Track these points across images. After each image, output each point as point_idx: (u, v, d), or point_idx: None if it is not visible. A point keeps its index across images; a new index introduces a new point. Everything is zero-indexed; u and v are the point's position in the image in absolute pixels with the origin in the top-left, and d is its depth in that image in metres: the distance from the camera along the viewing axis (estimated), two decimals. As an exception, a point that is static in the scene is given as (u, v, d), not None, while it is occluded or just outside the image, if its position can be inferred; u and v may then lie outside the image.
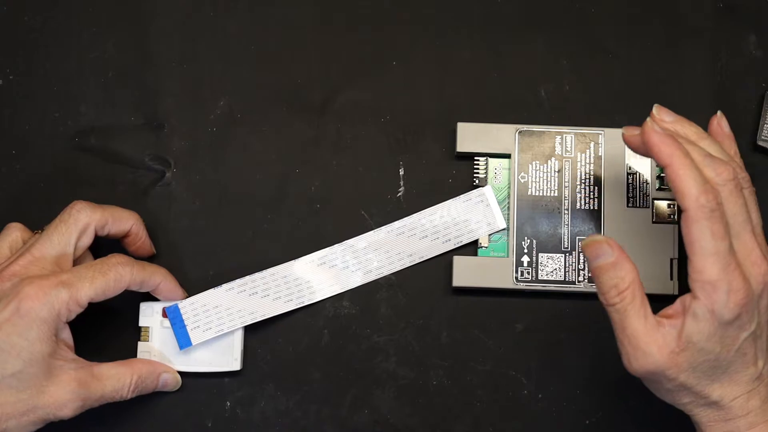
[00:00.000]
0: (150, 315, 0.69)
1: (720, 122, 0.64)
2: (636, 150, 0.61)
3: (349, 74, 0.73)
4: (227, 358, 0.69)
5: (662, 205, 0.70)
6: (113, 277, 0.64)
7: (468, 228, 0.70)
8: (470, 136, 0.70)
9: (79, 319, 0.65)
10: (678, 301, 0.59)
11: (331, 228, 0.71)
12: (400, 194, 0.71)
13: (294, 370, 0.70)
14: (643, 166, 0.70)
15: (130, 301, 0.69)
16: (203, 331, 0.68)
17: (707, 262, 0.56)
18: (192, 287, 0.69)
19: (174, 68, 0.73)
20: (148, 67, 0.73)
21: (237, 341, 0.69)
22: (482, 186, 0.70)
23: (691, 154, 0.58)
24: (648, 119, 0.60)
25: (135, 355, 0.68)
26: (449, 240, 0.70)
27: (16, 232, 0.67)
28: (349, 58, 0.73)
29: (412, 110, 0.72)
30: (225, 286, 0.69)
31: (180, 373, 0.68)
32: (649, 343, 0.58)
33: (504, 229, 0.70)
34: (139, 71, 0.73)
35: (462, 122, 0.70)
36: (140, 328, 0.69)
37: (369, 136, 0.72)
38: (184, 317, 0.68)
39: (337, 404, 0.69)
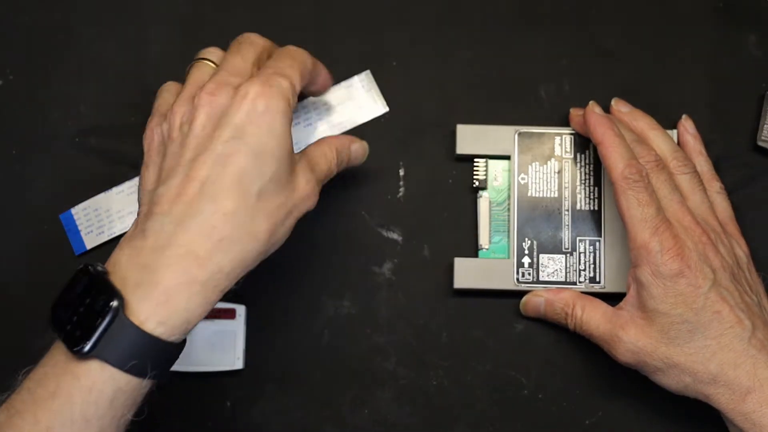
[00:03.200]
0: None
1: (685, 124, 0.70)
2: (579, 130, 0.70)
3: (349, 74, 0.72)
4: (229, 357, 0.69)
5: (662, 205, 0.70)
6: (300, 58, 0.61)
7: (350, 113, 0.71)
8: (470, 138, 0.70)
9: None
10: (628, 280, 0.64)
11: (331, 228, 0.71)
12: (400, 194, 0.71)
13: (294, 370, 0.70)
14: (643, 167, 0.70)
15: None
16: (96, 236, 0.69)
17: (638, 228, 0.62)
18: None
19: (174, 68, 0.73)
20: (148, 67, 0.73)
21: (239, 340, 0.69)
22: (482, 189, 0.70)
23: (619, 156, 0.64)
24: (591, 102, 0.67)
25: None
26: (335, 126, 0.71)
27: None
28: (349, 58, 0.73)
29: (412, 110, 0.72)
30: (115, 189, 0.69)
31: (180, 373, 0.68)
32: (615, 328, 0.63)
33: (385, 113, 0.72)
34: (139, 71, 0.73)
35: (461, 124, 0.70)
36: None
37: (369, 136, 0.72)
38: (77, 222, 0.69)
39: (337, 404, 0.69)
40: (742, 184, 0.71)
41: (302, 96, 0.68)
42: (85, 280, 0.55)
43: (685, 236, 0.62)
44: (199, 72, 0.62)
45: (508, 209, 0.70)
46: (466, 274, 0.69)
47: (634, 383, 0.67)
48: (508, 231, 0.69)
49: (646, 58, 0.73)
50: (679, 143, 0.70)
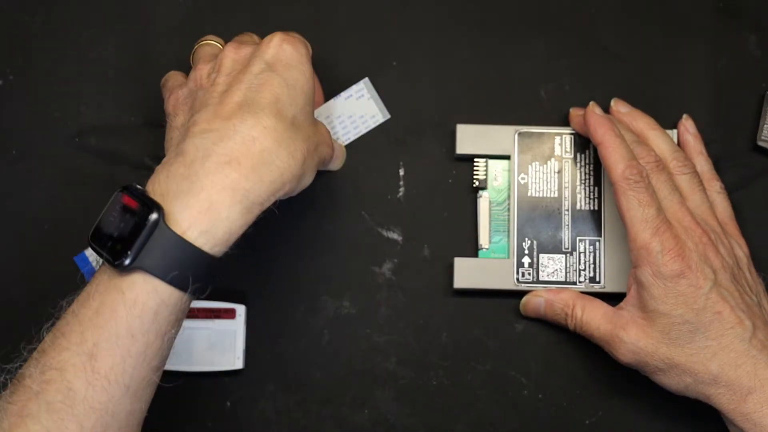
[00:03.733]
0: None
1: (685, 123, 0.70)
2: (579, 130, 0.70)
3: (349, 74, 0.72)
4: (229, 357, 0.69)
5: (662, 205, 0.70)
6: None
7: (354, 124, 0.71)
8: (470, 138, 0.70)
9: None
10: (628, 280, 0.64)
11: (331, 228, 0.71)
12: (400, 194, 0.71)
13: (294, 370, 0.70)
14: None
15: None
16: None
17: (638, 228, 0.62)
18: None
19: (174, 68, 0.73)
20: (148, 67, 0.73)
21: (239, 340, 0.69)
22: (482, 189, 0.70)
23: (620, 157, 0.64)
24: (591, 102, 0.67)
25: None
26: (338, 138, 0.71)
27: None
28: (349, 58, 0.73)
29: (412, 110, 0.72)
30: None
31: (181, 373, 0.68)
32: (616, 329, 0.63)
33: (387, 120, 0.71)
34: (139, 71, 0.73)
35: (461, 124, 0.70)
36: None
37: (369, 136, 0.72)
38: (93, 264, 0.69)
39: (337, 404, 0.69)
40: (742, 184, 0.71)
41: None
42: (128, 197, 0.55)
43: (686, 237, 0.62)
44: (209, 47, 0.65)
45: (508, 209, 0.70)
46: (466, 274, 0.69)
47: (634, 383, 0.67)
48: (508, 231, 0.69)
49: (646, 58, 0.73)
50: (679, 143, 0.70)
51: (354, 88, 0.71)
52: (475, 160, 0.70)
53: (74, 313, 0.54)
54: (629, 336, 0.63)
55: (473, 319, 0.70)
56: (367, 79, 0.71)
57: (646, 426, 0.69)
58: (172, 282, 0.53)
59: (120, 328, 0.53)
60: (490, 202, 0.70)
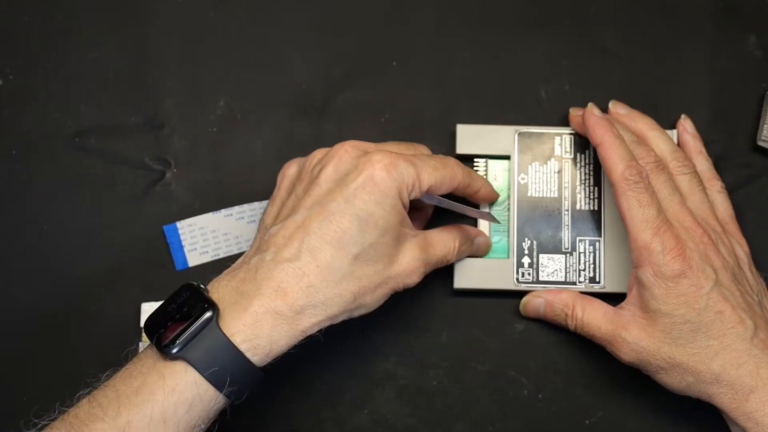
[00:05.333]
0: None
1: (684, 123, 0.70)
2: (579, 130, 0.70)
3: (349, 74, 0.73)
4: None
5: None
6: (450, 173, 0.64)
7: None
8: (470, 138, 0.70)
9: (82, 322, 0.65)
10: (629, 281, 0.64)
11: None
12: (400, 194, 0.71)
13: (294, 370, 0.70)
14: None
15: (131, 302, 0.69)
16: (200, 254, 0.70)
17: (639, 229, 0.62)
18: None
19: (174, 68, 0.73)
20: (148, 67, 0.73)
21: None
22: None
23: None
24: (590, 104, 0.67)
25: (135, 350, 0.68)
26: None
27: None
28: (349, 58, 0.73)
29: (412, 110, 0.72)
30: (223, 211, 0.70)
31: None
32: (617, 329, 0.64)
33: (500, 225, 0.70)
34: (139, 71, 0.73)
35: (461, 124, 0.70)
36: (141, 328, 0.69)
37: (369, 136, 0.71)
38: (182, 238, 0.69)
39: (337, 404, 0.69)
40: (742, 184, 0.71)
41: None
42: (186, 293, 0.59)
43: (686, 237, 0.62)
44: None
45: (508, 209, 0.70)
46: (466, 274, 0.69)
47: (634, 383, 0.67)
48: (508, 231, 0.69)
49: (646, 58, 0.73)
50: (678, 143, 0.70)
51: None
52: (475, 160, 0.70)
53: (114, 388, 0.56)
54: (631, 336, 0.63)
55: (473, 320, 0.70)
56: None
57: (646, 426, 0.69)
58: (210, 378, 0.56)
59: (155, 412, 0.55)
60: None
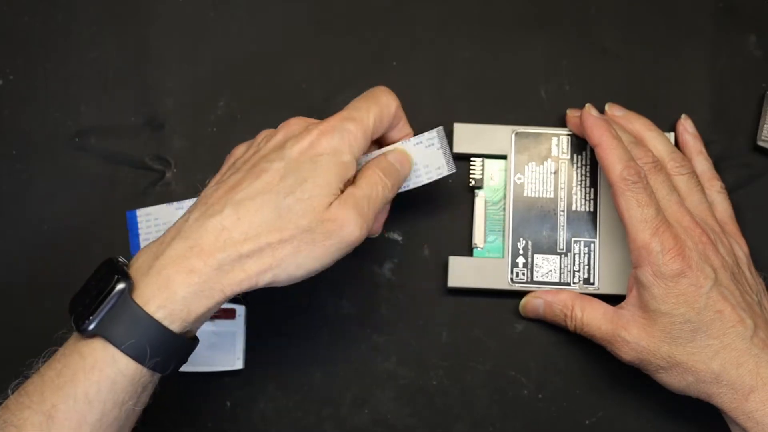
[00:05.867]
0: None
1: (684, 123, 0.70)
2: (576, 131, 0.70)
3: (349, 74, 0.73)
4: (230, 357, 0.69)
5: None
6: (384, 102, 0.63)
7: (416, 173, 0.66)
8: (467, 137, 0.70)
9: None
10: (629, 281, 0.64)
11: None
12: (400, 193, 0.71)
13: (294, 370, 0.70)
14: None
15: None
16: None
17: (638, 229, 0.62)
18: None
19: (174, 68, 0.73)
20: (148, 67, 0.73)
21: (239, 340, 0.69)
22: (478, 188, 0.70)
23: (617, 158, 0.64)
24: (588, 104, 0.67)
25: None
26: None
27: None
28: (349, 58, 0.73)
29: (412, 110, 0.72)
30: (176, 204, 0.68)
31: (180, 373, 0.68)
32: (617, 328, 0.64)
33: (452, 173, 0.67)
34: (139, 71, 0.73)
35: (459, 123, 0.70)
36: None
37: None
38: (139, 226, 0.68)
39: (337, 404, 0.69)
40: (742, 184, 0.71)
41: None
42: (104, 269, 0.57)
43: (685, 236, 0.62)
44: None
45: (504, 209, 0.70)
46: (460, 273, 0.69)
47: (634, 383, 0.67)
48: (503, 231, 0.69)
49: (646, 58, 0.73)
50: (678, 143, 0.70)
51: (426, 135, 0.67)
52: (472, 159, 0.70)
53: (40, 374, 0.55)
54: (631, 335, 0.63)
55: (473, 319, 0.70)
56: (441, 128, 0.67)
57: (646, 426, 0.69)
58: (128, 351, 0.54)
59: (78, 392, 0.54)
60: (485, 201, 0.70)
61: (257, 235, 0.57)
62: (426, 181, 0.66)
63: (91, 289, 0.56)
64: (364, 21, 0.73)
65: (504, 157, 0.70)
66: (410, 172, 0.65)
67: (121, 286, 0.55)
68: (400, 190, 0.65)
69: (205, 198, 0.59)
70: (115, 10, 0.73)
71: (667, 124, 0.70)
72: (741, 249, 0.66)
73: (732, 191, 0.70)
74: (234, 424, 0.69)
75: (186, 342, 0.57)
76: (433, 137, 0.66)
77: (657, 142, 0.68)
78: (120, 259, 0.58)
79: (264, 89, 0.73)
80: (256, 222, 0.57)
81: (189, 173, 0.72)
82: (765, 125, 0.71)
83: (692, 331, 0.61)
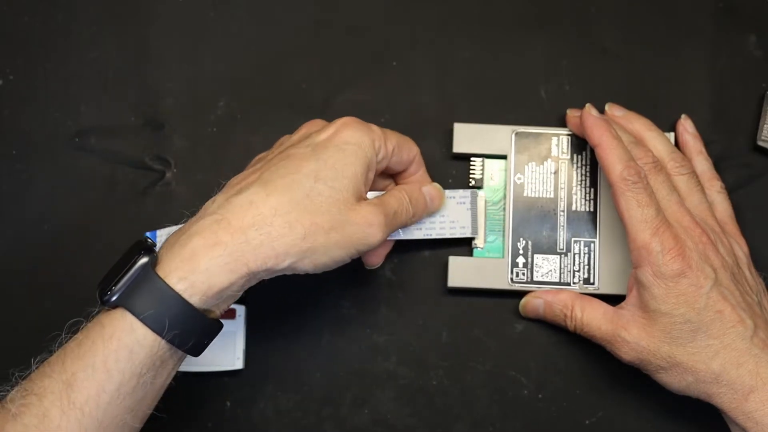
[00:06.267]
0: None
1: (684, 123, 0.70)
2: (576, 131, 0.70)
3: (349, 74, 0.73)
4: (229, 357, 0.69)
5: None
6: (408, 143, 0.65)
7: (442, 224, 0.68)
8: (467, 137, 0.70)
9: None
10: (629, 281, 0.64)
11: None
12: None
13: (294, 370, 0.70)
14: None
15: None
16: None
17: (638, 229, 0.62)
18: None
19: (174, 68, 0.73)
20: (148, 67, 0.73)
21: (239, 340, 0.69)
22: (478, 188, 0.70)
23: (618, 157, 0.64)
24: (588, 104, 0.67)
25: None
26: (420, 228, 0.68)
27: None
28: (349, 58, 0.73)
29: (411, 110, 0.72)
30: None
31: (180, 373, 0.68)
32: (617, 328, 0.64)
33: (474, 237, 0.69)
34: (139, 71, 0.73)
35: (459, 123, 0.70)
36: None
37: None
38: (158, 245, 0.68)
39: (337, 404, 0.69)
40: (742, 184, 0.71)
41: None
42: (134, 249, 0.58)
43: (685, 236, 0.62)
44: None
45: (504, 209, 0.70)
46: (460, 273, 0.69)
47: (634, 383, 0.67)
48: (503, 231, 0.69)
49: (646, 58, 0.73)
50: (678, 143, 0.70)
51: (460, 191, 0.68)
52: (472, 159, 0.70)
53: (63, 347, 0.56)
54: (631, 335, 0.63)
55: (473, 319, 0.70)
56: (476, 191, 0.69)
57: (646, 426, 0.69)
58: (147, 321, 0.55)
59: (97, 361, 0.54)
60: (485, 201, 0.70)
61: (287, 212, 0.57)
62: (449, 236, 0.68)
63: (119, 267, 0.57)
64: (364, 21, 0.73)
65: (504, 157, 0.70)
66: (437, 218, 0.68)
67: (144, 260, 0.56)
68: (422, 236, 0.67)
69: (230, 183, 0.60)
70: (115, 10, 0.73)
71: (667, 124, 0.70)
72: (741, 249, 0.66)
73: (732, 191, 0.70)
74: (234, 424, 0.69)
75: (206, 320, 0.57)
76: (466, 196, 0.68)
77: (657, 142, 0.68)
78: (149, 240, 0.59)
79: (264, 89, 0.73)
80: (286, 200, 0.58)
81: (189, 173, 0.72)
82: (765, 125, 0.71)
83: (692, 331, 0.61)
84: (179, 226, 0.65)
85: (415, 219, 0.65)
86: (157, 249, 0.58)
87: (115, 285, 0.56)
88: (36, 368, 0.56)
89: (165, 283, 0.55)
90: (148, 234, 0.67)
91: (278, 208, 0.57)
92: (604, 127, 0.65)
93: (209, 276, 0.56)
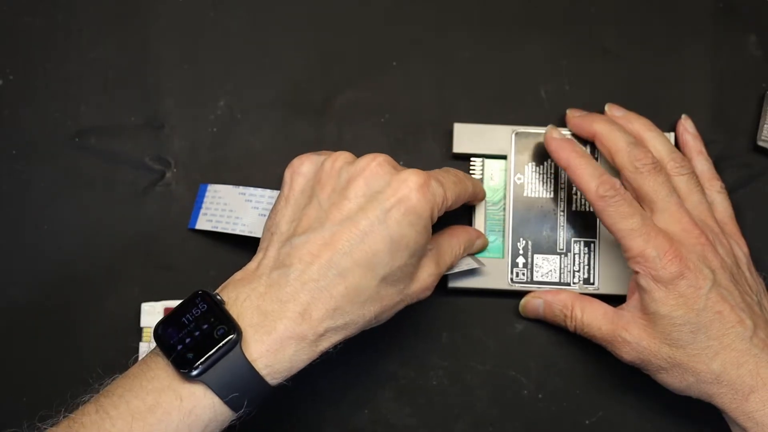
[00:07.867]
0: (152, 315, 0.69)
1: (684, 123, 0.70)
2: (576, 131, 0.69)
3: (349, 74, 0.73)
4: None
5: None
6: (463, 186, 0.64)
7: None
8: (467, 137, 0.70)
9: (82, 322, 0.65)
10: (630, 285, 0.64)
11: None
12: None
13: (294, 370, 0.70)
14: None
15: (131, 302, 0.69)
16: (207, 220, 0.70)
17: (629, 239, 0.62)
18: (192, 288, 0.69)
19: (174, 68, 0.73)
20: (148, 67, 0.73)
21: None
22: None
23: (618, 141, 0.66)
24: (549, 126, 0.67)
25: (138, 357, 0.68)
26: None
27: None
28: (349, 58, 0.73)
29: (411, 110, 0.72)
30: (241, 188, 0.69)
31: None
32: (618, 329, 0.64)
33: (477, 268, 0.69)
34: (139, 71, 0.73)
35: (459, 123, 0.70)
36: (141, 328, 0.69)
37: (369, 136, 0.72)
38: (204, 200, 0.69)
39: (337, 404, 0.69)
40: (742, 184, 0.71)
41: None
42: (202, 306, 0.57)
43: (682, 237, 0.62)
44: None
45: (504, 209, 0.70)
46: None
47: (634, 383, 0.67)
48: (503, 231, 0.69)
49: (646, 58, 0.73)
50: (678, 143, 0.70)
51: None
52: (472, 159, 0.70)
53: (123, 399, 0.55)
54: (631, 336, 0.63)
55: (473, 319, 0.70)
56: (474, 263, 0.68)
57: (646, 426, 0.69)
58: (229, 403, 0.55)
59: (169, 431, 0.55)
60: (485, 201, 0.70)
61: (362, 303, 0.58)
62: (463, 268, 0.67)
63: (190, 325, 0.57)
64: (364, 21, 0.73)
65: (504, 157, 0.70)
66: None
67: (232, 337, 0.55)
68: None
69: (296, 247, 0.58)
70: (115, 10, 0.73)
71: (667, 124, 0.70)
72: (740, 249, 0.66)
73: (732, 191, 0.70)
74: (234, 424, 0.69)
75: (273, 390, 0.58)
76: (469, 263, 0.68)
77: (657, 142, 0.67)
78: (218, 297, 0.58)
79: (264, 89, 0.73)
80: (362, 292, 0.58)
81: (189, 173, 0.72)
82: (765, 125, 0.71)
83: (692, 332, 0.61)
84: (225, 186, 0.68)
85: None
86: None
87: (198, 359, 0.55)
88: (88, 410, 0.55)
89: (253, 368, 0.56)
90: (201, 185, 0.69)
91: (355, 301, 0.58)
92: (569, 147, 0.65)
93: (291, 364, 0.57)
